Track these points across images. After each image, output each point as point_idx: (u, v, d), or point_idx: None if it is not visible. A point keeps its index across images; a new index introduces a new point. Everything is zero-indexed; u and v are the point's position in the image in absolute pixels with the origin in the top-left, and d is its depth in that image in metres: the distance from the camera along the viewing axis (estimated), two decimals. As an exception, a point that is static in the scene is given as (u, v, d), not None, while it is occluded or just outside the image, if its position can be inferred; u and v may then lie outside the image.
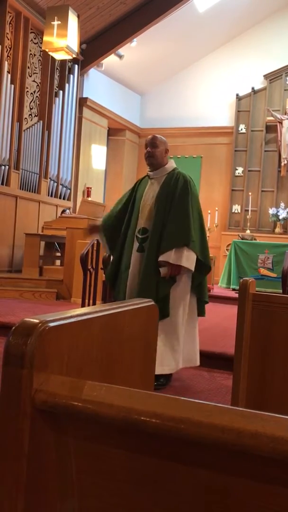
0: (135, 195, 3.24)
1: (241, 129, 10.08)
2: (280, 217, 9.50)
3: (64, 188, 8.78)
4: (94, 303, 5.02)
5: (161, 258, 2.97)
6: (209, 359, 3.84)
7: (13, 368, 0.73)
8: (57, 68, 8.59)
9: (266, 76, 9.93)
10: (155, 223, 3.03)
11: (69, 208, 8.67)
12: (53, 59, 7.81)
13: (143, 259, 3.05)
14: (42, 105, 8.23)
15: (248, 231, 9.18)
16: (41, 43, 7.72)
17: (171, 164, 3.21)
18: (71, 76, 8.76)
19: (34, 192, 8.06)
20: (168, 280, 2.98)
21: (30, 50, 7.87)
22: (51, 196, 8.47)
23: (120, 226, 3.22)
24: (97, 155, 9.80)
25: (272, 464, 0.60)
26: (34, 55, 8.01)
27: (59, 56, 6.92)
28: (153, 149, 3.12)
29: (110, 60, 9.20)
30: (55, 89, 8.53)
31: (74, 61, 8.63)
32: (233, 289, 7.80)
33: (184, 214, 2.99)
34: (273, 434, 0.59)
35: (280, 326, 2.02)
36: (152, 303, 1.23)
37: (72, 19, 6.69)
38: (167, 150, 3.20)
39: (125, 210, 3.24)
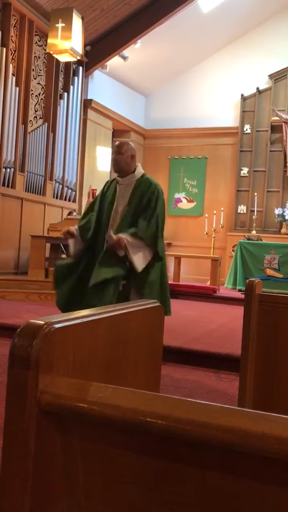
0: (102, 200, 3.25)
1: (246, 129, 10.06)
2: (286, 217, 9.47)
3: (69, 190, 8.80)
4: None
5: (124, 235, 2.99)
6: (216, 360, 3.83)
7: (18, 370, 0.73)
8: (61, 70, 8.61)
9: (271, 76, 9.91)
10: (125, 230, 3.07)
11: (74, 210, 8.69)
12: (57, 61, 7.83)
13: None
14: (47, 107, 8.25)
15: (254, 232, 9.16)
16: (45, 45, 7.75)
17: (139, 170, 3.24)
18: (76, 78, 8.78)
19: (40, 194, 8.08)
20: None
21: (35, 53, 7.89)
22: (57, 198, 8.49)
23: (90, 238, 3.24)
24: (102, 157, 9.81)
25: (280, 466, 0.60)
26: (39, 57, 8.04)
27: (63, 58, 6.94)
28: (118, 156, 3.16)
29: (114, 62, 9.21)
30: (60, 91, 8.55)
31: (79, 63, 8.65)
32: (239, 290, 7.78)
33: (155, 220, 3.09)
34: (280, 435, 0.58)
35: (286, 326, 2.01)
36: (158, 304, 1.23)
37: (76, 21, 6.71)
38: (133, 156, 3.21)
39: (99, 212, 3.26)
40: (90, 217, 3.29)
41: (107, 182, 3.36)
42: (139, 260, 3.04)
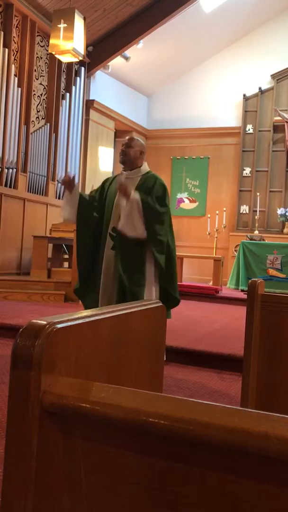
0: (106, 193, 3.23)
1: (249, 129, 10.05)
2: (289, 217, 9.46)
3: (72, 190, 8.79)
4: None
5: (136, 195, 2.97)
6: (218, 360, 3.83)
7: (21, 370, 0.73)
8: (63, 71, 8.62)
9: (273, 76, 9.90)
10: None
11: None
12: (59, 61, 7.84)
13: (117, 259, 3.09)
14: (49, 108, 8.26)
15: (256, 232, 9.15)
16: (47, 46, 7.76)
17: (146, 167, 3.25)
18: (78, 78, 8.79)
19: (42, 195, 8.09)
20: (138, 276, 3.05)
21: (37, 53, 7.91)
22: (59, 198, 8.50)
23: (91, 212, 3.19)
24: (104, 157, 9.82)
25: (282, 466, 0.59)
26: (41, 58, 8.05)
27: (65, 58, 6.95)
28: (127, 148, 3.17)
29: (116, 62, 9.22)
30: (62, 91, 8.56)
31: (81, 63, 8.66)
32: (242, 290, 7.77)
33: (162, 202, 3.07)
34: (282, 435, 0.58)
35: (289, 326, 2.00)
36: (160, 304, 1.23)
37: (78, 22, 6.71)
38: (142, 152, 3.22)
39: (100, 204, 3.23)
40: (96, 197, 3.25)
41: (109, 178, 3.36)
42: (132, 231, 2.98)
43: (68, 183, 3.10)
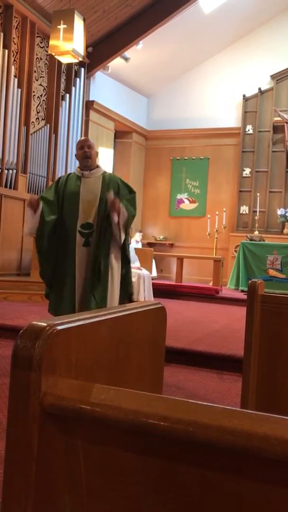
0: (63, 192, 3.31)
1: (248, 130, 10.06)
2: (289, 218, 9.46)
3: (72, 191, 8.80)
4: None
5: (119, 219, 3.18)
6: (219, 361, 3.83)
7: (21, 371, 0.74)
8: (63, 72, 8.63)
9: (272, 77, 9.91)
10: (101, 218, 3.22)
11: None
12: (59, 62, 7.84)
13: (90, 252, 3.22)
14: (49, 109, 8.27)
15: (256, 232, 9.15)
16: (47, 47, 7.76)
17: (101, 166, 3.45)
18: (78, 79, 8.80)
19: (42, 196, 8.09)
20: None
21: (37, 54, 7.91)
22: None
23: (50, 224, 3.28)
24: (104, 158, 9.82)
25: (282, 467, 0.60)
26: (41, 59, 8.06)
27: (65, 59, 6.95)
28: (90, 150, 3.33)
29: (116, 63, 9.22)
30: (62, 92, 8.57)
31: (81, 64, 8.67)
32: (242, 291, 7.77)
33: (133, 204, 3.34)
34: (282, 436, 0.58)
35: (289, 327, 2.00)
36: (160, 305, 1.23)
37: (78, 23, 6.72)
38: (97, 153, 3.45)
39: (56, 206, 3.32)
40: (53, 200, 3.34)
41: (61, 177, 3.45)
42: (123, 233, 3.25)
43: (35, 206, 3.23)
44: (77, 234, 3.21)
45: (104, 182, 3.30)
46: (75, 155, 3.43)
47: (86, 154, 3.29)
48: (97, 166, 3.37)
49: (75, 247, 3.22)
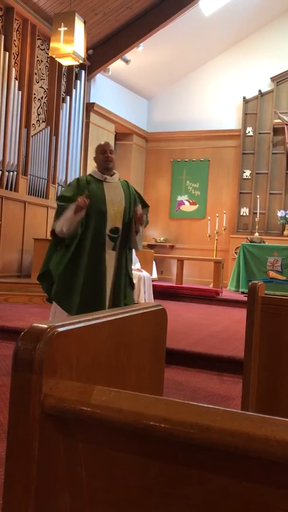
0: (88, 196, 3.29)
1: (249, 132, 10.07)
2: (289, 220, 9.46)
3: (72, 193, 8.80)
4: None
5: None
6: (219, 363, 3.83)
7: (22, 373, 0.74)
8: (64, 74, 8.64)
9: (273, 79, 9.92)
10: (127, 222, 3.31)
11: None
12: (60, 65, 7.86)
13: (118, 257, 3.29)
14: (49, 111, 8.28)
15: (256, 234, 9.15)
16: (48, 49, 7.78)
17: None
18: (78, 81, 8.81)
19: (43, 197, 8.10)
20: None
21: (37, 57, 7.92)
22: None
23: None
24: (104, 160, 9.82)
25: (283, 469, 0.60)
26: (41, 61, 8.07)
27: (66, 62, 6.96)
28: (112, 154, 3.38)
29: (116, 65, 9.24)
30: (62, 94, 8.58)
31: (81, 66, 8.68)
32: (242, 292, 7.77)
33: (147, 209, 3.48)
34: (283, 439, 0.58)
35: (289, 329, 2.00)
36: (161, 307, 1.23)
37: (79, 25, 6.73)
38: None
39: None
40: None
41: (79, 178, 3.43)
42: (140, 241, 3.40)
43: (85, 207, 3.19)
44: (107, 238, 3.24)
45: (124, 188, 3.38)
46: (94, 159, 3.40)
47: (109, 158, 3.32)
48: (114, 171, 3.42)
49: (105, 251, 3.24)
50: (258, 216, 9.45)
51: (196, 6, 8.41)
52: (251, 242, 8.41)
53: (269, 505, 0.63)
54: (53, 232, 3.30)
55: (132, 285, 3.43)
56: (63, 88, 8.62)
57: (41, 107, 8.16)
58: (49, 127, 8.21)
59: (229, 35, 9.86)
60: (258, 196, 9.61)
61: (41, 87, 8.11)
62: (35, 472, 0.74)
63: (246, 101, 10.08)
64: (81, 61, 7.04)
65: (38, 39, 7.87)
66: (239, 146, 10.16)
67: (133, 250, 3.59)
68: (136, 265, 6.41)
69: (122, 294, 3.27)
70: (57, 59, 6.94)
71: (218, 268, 8.05)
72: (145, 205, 3.47)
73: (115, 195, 3.32)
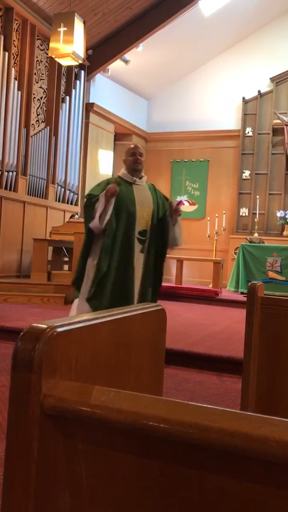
0: (117, 198, 3.27)
1: (248, 132, 10.07)
2: (288, 220, 9.47)
3: (72, 193, 8.81)
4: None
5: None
6: (218, 363, 3.83)
7: (21, 373, 0.74)
8: (63, 74, 8.64)
9: (272, 79, 9.92)
10: (155, 225, 3.34)
11: (76, 213, 8.70)
12: (59, 65, 7.86)
13: (146, 259, 3.31)
14: (49, 111, 8.28)
15: (256, 234, 9.15)
16: (47, 49, 7.78)
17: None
18: (78, 81, 8.81)
19: (42, 198, 8.10)
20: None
21: (37, 57, 7.92)
22: (59, 201, 8.51)
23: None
24: (104, 160, 9.83)
25: (282, 469, 0.60)
26: (41, 61, 8.07)
27: (65, 62, 6.96)
28: (141, 157, 3.41)
29: (116, 65, 9.24)
30: (62, 94, 8.58)
31: (81, 66, 8.68)
32: (242, 293, 7.76)
33: None
34: (282, 439, 0.58)
35: (289, 329, 2.01)
36: (160, 307, 1.23)
37: (78, 25, 6.73)
38: None
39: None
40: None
41: (108, 179, 3.43)
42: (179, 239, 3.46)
43: (114, 193, 3.21)
44: (136, 240, 3.27)
45: (152, 191, 3.41)
46: (124, 161, 3.41)
47: (138, 160, 3.34)
48: (143, 174, 3.44)
49: (134, 253, 3.27)
50: (257, 216, 9.45)
51: (195, 6, 8.41)
52: (250, 242, 8.41)
53: (268, 505, 0.63)
54: (88, 233, 3.28)
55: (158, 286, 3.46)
56: (62, 88, 8.62)
57: (41, 107, 8.15)
58: (48, 127, 8.21)
59: (228, 35, 9.86)
60: (257, 197, 9.62)
61: (40, 87, 8.11)
62: (34, 472, 0.74)
63: (245, 101, 10.08)
64: (80, 61, 7.04)
65: (37, 39, 7.87)
66: (238, 146, 10.16)
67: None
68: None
69: (150, 296, 3.30)
70: (57, 59, 6.94)
71: (218, 269, 8.05)
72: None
73: (144, 198, 3.34)
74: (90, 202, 3.27)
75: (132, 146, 3.45)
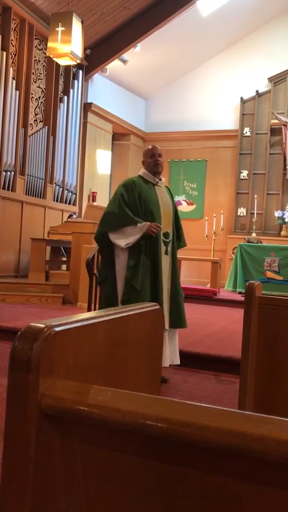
0: (139, 197, 3.23)
1: (246, 132, 10.08)
2: (286, 220, 9.48)
3: (70, 193, 8.81)
4: (100, 307, 5.01)
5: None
6: (216, 363, 3.83)
7: (19, 373, 0.74)
8: (61, 74, 8.63)
9: (270, 79, 9.93)
10: (174, 227, 3.39)
11: (75, 213, 8.70)
12: (57, 65, 7.85)
13: (171, 261, 3.36)
14: (47, 111, 8.27)
15: (254, 234, 9.16)
16: (45, 49, 7.76)
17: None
18: (76, 81, 8.80)
19: (40, 197, 8.09)
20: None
21: (35, 56, 7.92)
22: (57, 201, 8.50)
23: None
24: (102, 160, 9.82)
25: (280, 468, 0.60)
26: (39, 61, 8.06)
27: (63, 62, 6.96)
28: (160, 158, 3.35)
29: (114, 65, 9.23)
30: (60, 94, 8.57)
31: (79, 66, 8.68)
32: (240, 293, 7.77)
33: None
34: (280, 438, 0.58)
35: (286, 329, 2.01)
36: (158, 307, 1.23)
37: (76, 25, 6.72)
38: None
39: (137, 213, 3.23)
40: (134, 203, 3.23)
41: (131, 182, 3.26)
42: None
43: (152, 235, 3.18)
44: (161, 243, 3.26)
45: (169, 193, 3.44)
46: (142, 162, 3.37)
47: (158, 162, 3.30)
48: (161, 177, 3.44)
49: (161, 256, 3.25)
50: (255, 216, 9.46)
51: (193, 6, 8.42)
52: (248, 242, 8.42)
53: (267, 504, 0.63)
54: (101, 237, 3.22)
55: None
56: (60, 88, 8.61)
57: (39, 107, 8.14)
58: (46, 127, 8.20)
59: (226, 35, 9.86)
60: (255, 196, 9.63)
61: (38, 87, 8.10)
62: (32, 472, 0.73)
63: (243, 101, 10.09)
64: (78, 61, 7.03)
65: (35, 39, 7.86)
66: (236, 146, 10.16)
67: None
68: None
69: (180, 297, 3.32)
70: (55, 59, 6.93)
71: (216, 268, 8.06)
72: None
73: (165, 200, 3.34)
74: (123, 215, 3.14)
75: (150, 147, 3.36)
